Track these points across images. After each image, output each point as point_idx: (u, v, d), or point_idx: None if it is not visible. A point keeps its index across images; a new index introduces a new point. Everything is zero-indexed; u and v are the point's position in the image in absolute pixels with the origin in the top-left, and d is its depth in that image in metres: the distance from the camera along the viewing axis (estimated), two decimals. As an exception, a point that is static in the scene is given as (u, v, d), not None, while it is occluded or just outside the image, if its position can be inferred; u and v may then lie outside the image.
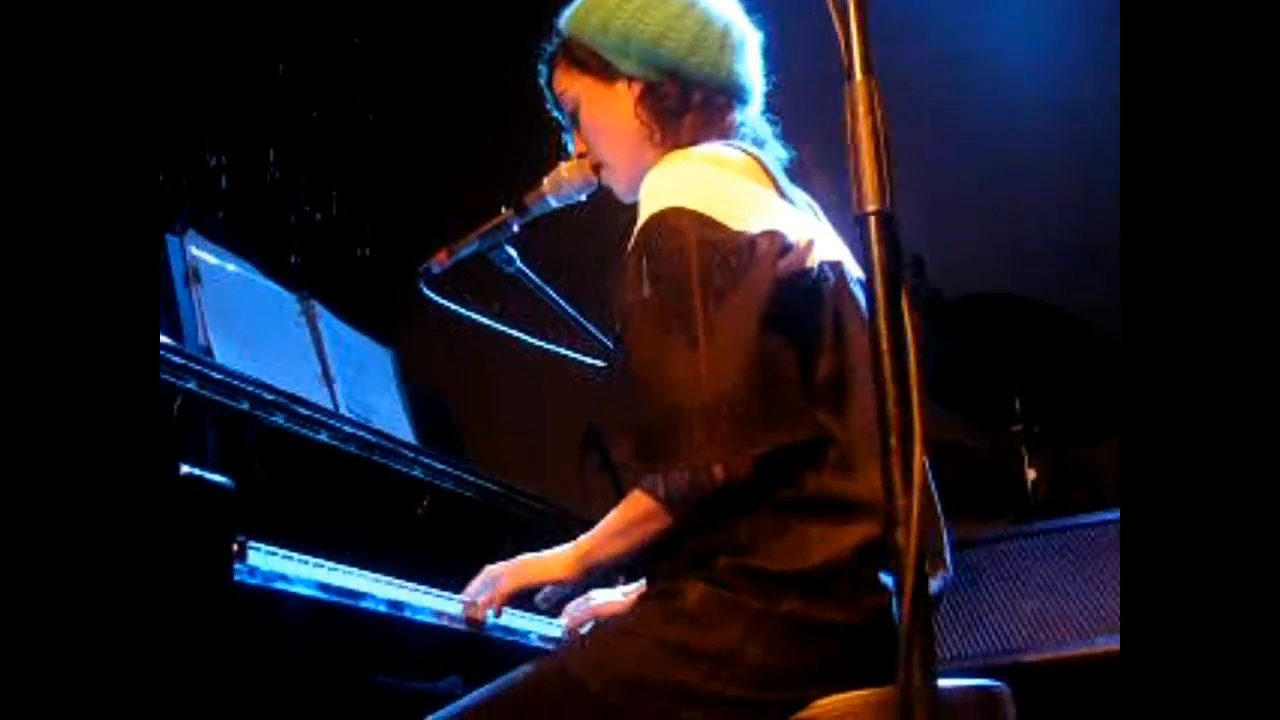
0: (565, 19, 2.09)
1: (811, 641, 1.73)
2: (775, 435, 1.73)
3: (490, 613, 2.10)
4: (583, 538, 1.98)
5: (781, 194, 1.96)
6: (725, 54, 2.02)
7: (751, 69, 2.06)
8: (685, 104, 2.00)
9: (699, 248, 1.77)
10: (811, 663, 1.72)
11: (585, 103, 2.08)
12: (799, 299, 1.81)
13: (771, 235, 1.80)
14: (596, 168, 2.15)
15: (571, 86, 2.09)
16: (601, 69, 2.04)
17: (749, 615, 1.72)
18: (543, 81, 2.14)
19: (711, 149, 1.96)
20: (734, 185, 1.88)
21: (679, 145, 1.98)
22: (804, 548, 1.74)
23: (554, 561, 2.00)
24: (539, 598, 2.08)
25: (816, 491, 1.77)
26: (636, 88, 2.02)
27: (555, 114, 2.17)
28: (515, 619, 2.24)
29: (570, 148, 2.19)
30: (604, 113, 2.06)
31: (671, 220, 1.81)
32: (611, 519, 1.92)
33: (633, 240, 1.86)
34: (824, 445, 1.78)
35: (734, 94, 2.04)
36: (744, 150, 1.99)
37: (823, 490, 1.77)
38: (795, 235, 1.84)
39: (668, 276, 1.78)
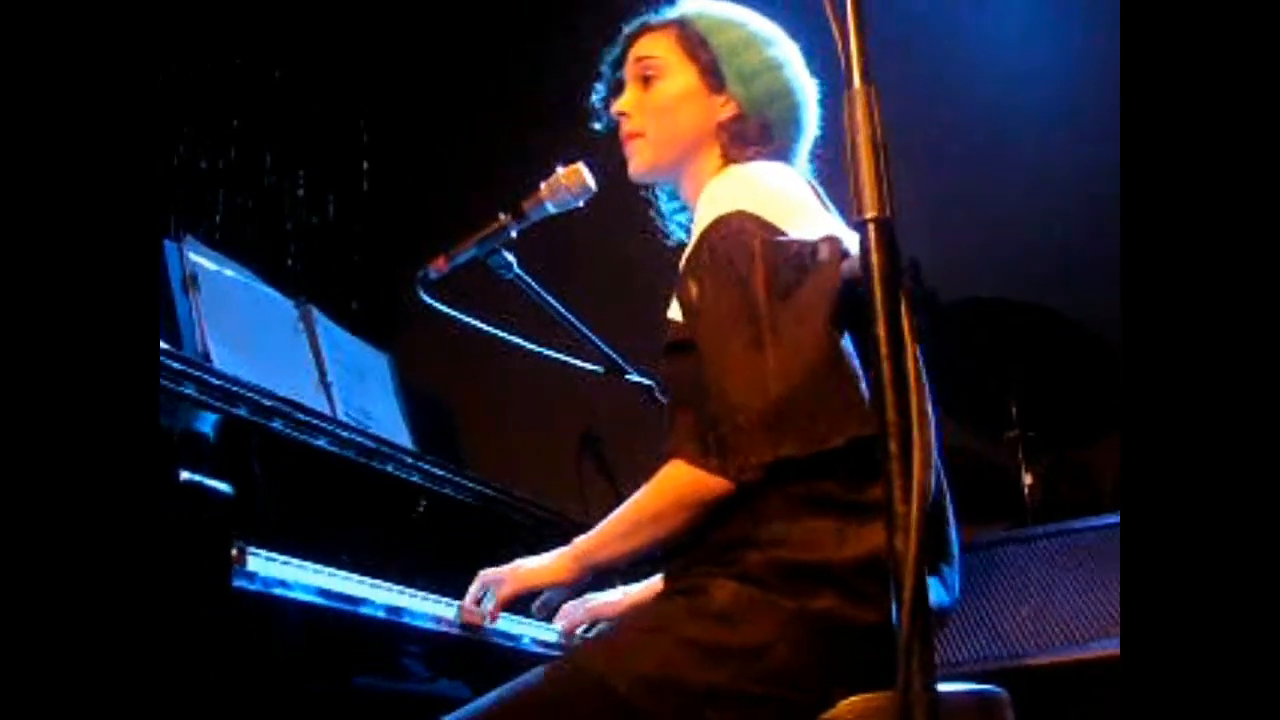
0: (695, 11, 2.11)
1: (840, 641, 1.73)
2: (845, 428, 1.74)
3: (500, 618, 2.10)
4: (579, 539, 1.97)
5: (829, 211, 2.01)
6: (812, 124, 2.10)
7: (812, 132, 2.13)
8: (760, 140, 2.05)
9: (763, 249, 1.81)
10: (839, 662, 1.73)
11: (673, 81, 2.08)
12: (859, 304, 1.82)
13: (832, 241, 1.83)
14: (632, 134, 2.11)
15: (669, 59, 2.09)
16: (713, 72, 2.06)
17: (781, 614, 1.72)
18: (629, 31, 2.14)
19: (769, 164, 2.01)
20: (792, 196, 1.93)
21: (729, 162, 2.02)
22: (841, 540, 1.74)
23: (552, 564, 2.00)
24: (535, 605, 2.08)
25: (860, 489, 1.76)
26: (732, 107, 2.06)
27: (607, 68, 2.17)
28: (510, 623, 2.24)
29: (598, 101, 2.18)
30: (688, 104, 2.07)
31: (735, 223, 1.85)
32: (628, 513, 1.89)
33: (693, 243, 1.89)
34: (871, 446, 1.78)
35: (799, 146, 2.11)
36: (796, 172, 2.05)
37: (866, 489, 1.76)
38: (850, 245, 1.86)
39: (734, 277, 1.81)
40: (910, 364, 1.26)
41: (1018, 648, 3.14)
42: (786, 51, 2.10)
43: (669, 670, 1.71)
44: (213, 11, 4.05)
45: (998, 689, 1.91)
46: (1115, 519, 3.25)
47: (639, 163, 2.12)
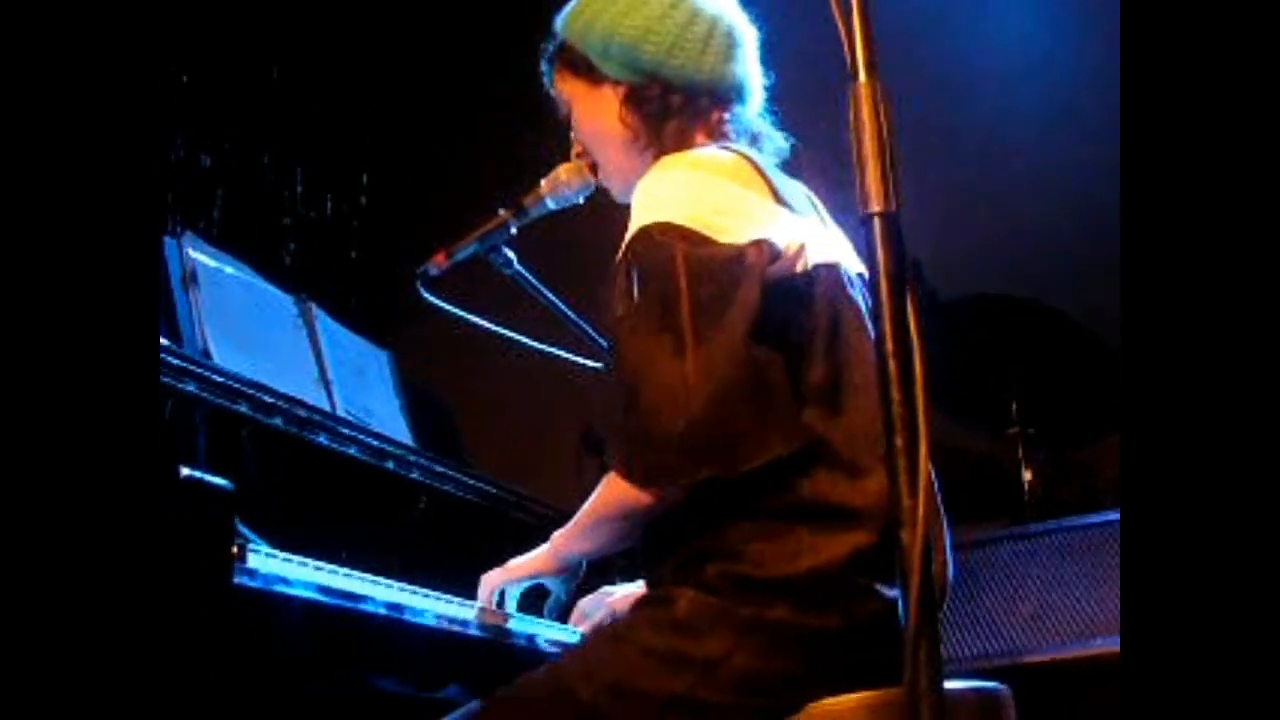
0: (559, 21, 2.09)
1: (800, 649, 1.73)
2: (768, 448, 1.73)
3: (512, 618, 2.13)
4: (556, 533, 2.02)
5: (776, 194, 1.92)
6: (709, 54, 1.99)
7: (743, 68, 2.04)
8: (667, 107, 1.98)
9: (685, 263, 1.77)
10: (800, 669, 1.73)
11: (576, 105, 2.09)
12: (789, 305, 1.81)
13: (760, 245, 1.80)
14: (593, 168, 2.15)
15: (565, 89, 2.09)
16: (588, 72, 2.04)
17: (738, 623, 1.72)
18: (546, 84, 2.13)
19: (704, 153, 1.94)
20: (724, 193, 1.86)
21: (665, 148, 1.97)
22: (797, 554, 1.74)
23: (533, 557, 2.07)
24: (547, 605, 2.13)
25: (812, 498, 1.76)
26: (620, 91, 2.01)
27: (564, 113, 2.17)
28: (528, 623, 2.23)
29: (574, 148, 2.19)
30: (592, 116, 2.06)
31: (658, 236, 1.80)
32: (585, 514, 1.94)
33: (620, 253, 1.85)
34: (819, 451, 1.78)
35: (720, 95, 2.01)
36: (736, 151, 1.97)
37: (818, 497, 1.76)
38: (785, 241, 1.83)
39: (655, 291, 1.77)
40: (918, 360, 1.25)
41: (1018, 644, 3.14)
42: None
43: (630, 679, 1.72)
44: (211, 9, 4.04)
45: (999, 685, 1.90)
46: (1115, 516, 3.25)
47: (611, 190, 2.14)
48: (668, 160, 1.93)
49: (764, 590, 1.73)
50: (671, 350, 1.73)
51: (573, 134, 2.15)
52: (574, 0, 2.08)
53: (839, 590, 1.73)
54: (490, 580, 2.11)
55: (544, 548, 2.05)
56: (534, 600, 2.18)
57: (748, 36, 2.05)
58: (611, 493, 1.86)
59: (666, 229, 1.80)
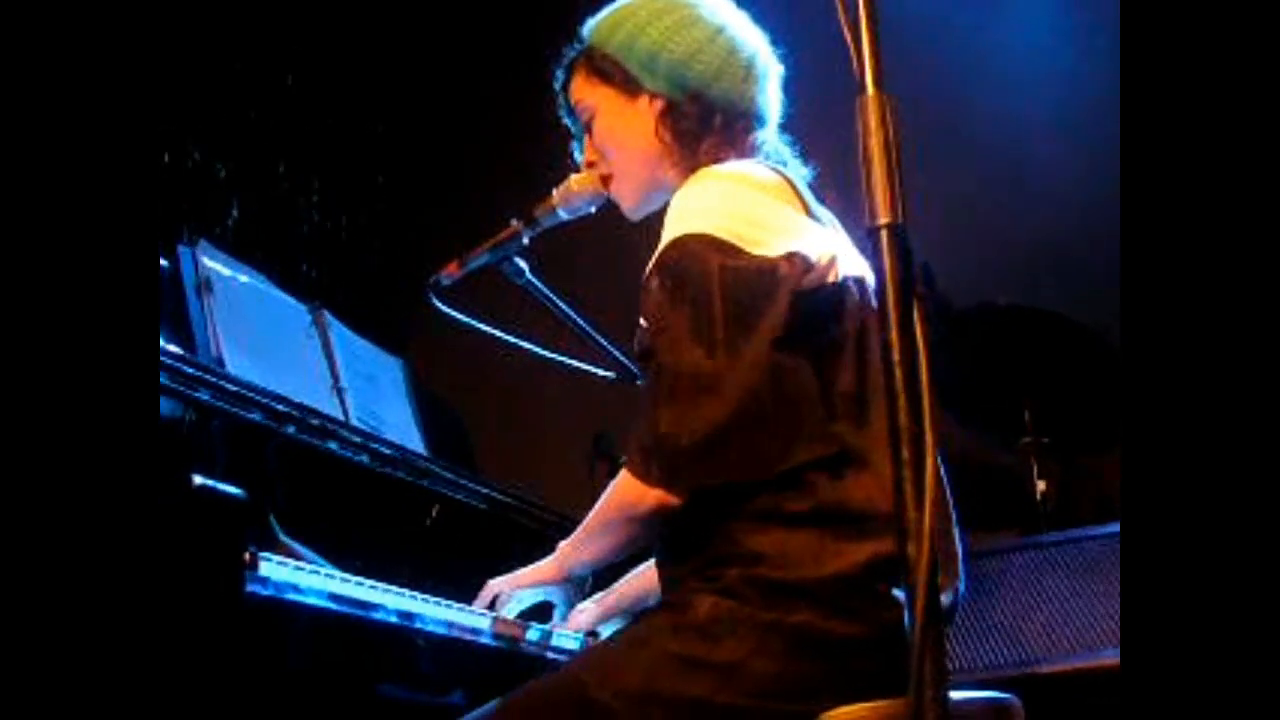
0: (591, 28, 2.10)
1: (821, 653, 1.73)
2: (794, 453, 1.76)
3: (529, 628, 2.15)
4: (562, 543, 2.06)
5: (809, 212, 1.97)
6: (748, 83, 2.04)
7: (771, 99, 2.09)
8: (705, 126, 2.02)
9: (720, 274, 1.79)
10: (820, 675, 1.73)
11: (603, 114, 2.09)
12: (820, 314, 1.83)
13: (792, 257, 1.83)
14: (605, 179, 2.15)
15: (590, 96, 2.10)
16: (625, 82, 2.05)
17: (759, 627, 1.73)
18: (558, 86, 2.15)
19: (743, 167, 1.97)
20: (761, 205, 1.90)
21: (696, 165, 1.99)
22: (819, 558, 1.75)
23: (538, 566, 2.10)
24: (552, 624, 2.15)
25: (834, 504, 1.78)
26: (658, 105, 2.03)
27: (566, 120, 2.18)
28: (542, 633, 2.24)
29: (578, 156, 2.19)
30: (622, 126, 2.07)
31: (693, 246, 1.83)
32: (591, 518, 1.96)
33: (654, 261, 1.87)
34: (844, 458, 1.79)
35: (752, 120, 2.05)
36: (775, 169, 2.00)
37: (841, 503, 1.78)
38: (817, 253, 1.86)
39: (689, 301, 1.79)
40: (925, 371, 1.26)
41: (1030, 655, 3.13)
42: (692, 12, 2.05)
43: (650, 683, 1.73)
44: (227, 17, 4.06)
45: (1010, 696, 1.90)
46: (1128, 526, 3.24)
47: (623, 203, 2.14)
48: (706, 173, 1.96)
49: (786, 593, 1.74)
50: (703, 358, 1.76)
51: (589, 141, 2.14)
52: (611, 11, 2.10)
53: (861, 596, 1.74)
54: (494, 586, 2.13)
55: (550, 557, 2.08)
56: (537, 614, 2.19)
57: (774, 72, 2.10)
58: (618, 493, 1.87)
59: (701, 239, 1.82)
